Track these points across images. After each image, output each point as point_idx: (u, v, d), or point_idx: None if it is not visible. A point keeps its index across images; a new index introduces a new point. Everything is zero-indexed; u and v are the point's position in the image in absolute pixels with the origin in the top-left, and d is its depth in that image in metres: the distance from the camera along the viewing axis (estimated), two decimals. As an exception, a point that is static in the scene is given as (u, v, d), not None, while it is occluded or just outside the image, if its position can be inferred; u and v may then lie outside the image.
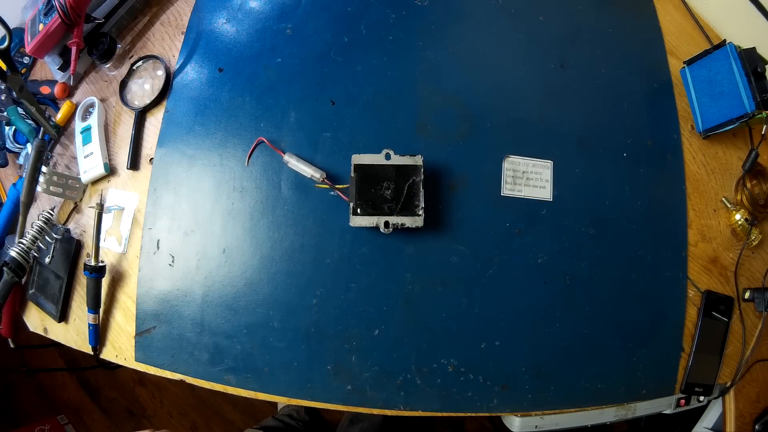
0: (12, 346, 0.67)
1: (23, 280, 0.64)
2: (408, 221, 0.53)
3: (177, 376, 0.56)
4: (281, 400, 0.55)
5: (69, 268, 0.62)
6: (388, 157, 0.54)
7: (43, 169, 0.61)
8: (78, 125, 0.65)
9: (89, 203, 0.64)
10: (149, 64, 0.65)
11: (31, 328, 0.67)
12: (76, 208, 0.65)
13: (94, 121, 0.63)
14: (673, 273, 0.62)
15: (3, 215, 0.68)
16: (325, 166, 0.57)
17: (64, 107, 0.67)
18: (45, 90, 0.68)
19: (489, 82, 0.62)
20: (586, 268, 0.59)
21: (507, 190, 0.59)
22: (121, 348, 0.59)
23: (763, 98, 0.57)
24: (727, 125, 0.62)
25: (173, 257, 0.58)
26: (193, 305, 0.57)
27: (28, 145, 0.66)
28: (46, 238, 0.61)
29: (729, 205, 0.66)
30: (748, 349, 0.65)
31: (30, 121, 0.65)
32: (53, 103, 0.69)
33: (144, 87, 0.64)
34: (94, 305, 0.58)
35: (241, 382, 0.55)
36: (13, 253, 0.58)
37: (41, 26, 0.60)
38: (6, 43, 0.57)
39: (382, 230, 0.53)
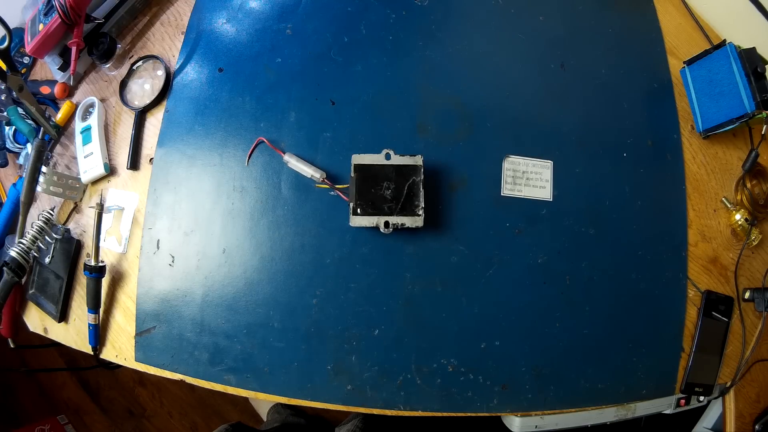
0: (12, 346, 0.67)
1: (23, 280, 0.64)
2: (408, 221, 0.53)
3: (177, 376, 0.56)
4: (281, 400, 0.55)
5: (69, 268, 0.62)
6: (388, 157, 0.54)
7: (43, 169, 0.61)
8: (78, 125, 0.65)
9: (89, 203, 0.64)
10: (149, 64, 0.65)
11: (31, 328, 0.67)
12: (76, 208, 0.65)
13: (94, 121, 0.63)
14: (673, 273, 0.62)
15: (3, 215, 0.68)
16: (325, 166, 0.57)
17: (64, 107, 0.67)
18: (45, 90, 0.68)
19: (489, 82, 0.62)
20: (586, 268, 0.59)
21: (507, 190, 0.59)
22: (121, 348, 0.59)
23: (763, 98, 0.57)
24: (727, 125, 0.62)
25: (173, 257, 0.58)
26: (193, 305, 0.57)
27: (28, 145, 0.66)
28: (46, 238, 0.61)
29: (729, 205, 0.66)
30: (748, 349, 0.65)
31: (30, 121, 0.64)
32: (53, 103, 0.69)
33: (144, 87, 0.64)
34: (94, 305, 0.58)
35: (241, 382, 0.55)
36: (13, 253, 0.58)
37: (41, 26, 0.60)
38: (6, 43, 0.57)
39: (382, 230, 0.53)
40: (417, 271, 0.56)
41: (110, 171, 0.63)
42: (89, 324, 0.58)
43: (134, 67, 0.65)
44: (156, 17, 0.67)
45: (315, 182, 0.57)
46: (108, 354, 0.60)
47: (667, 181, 0.64)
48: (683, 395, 0.62)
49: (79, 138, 0.64)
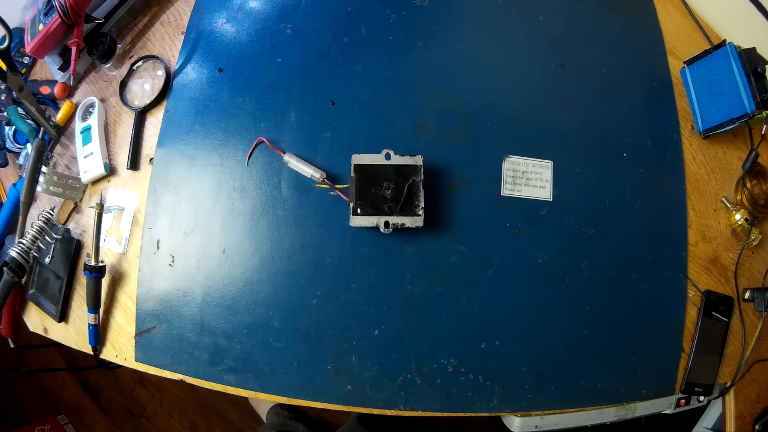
0: (12, 346, 0.67)
1: (23, 280, 0.64)
2: (408, 221, 0.53)
3: (177, 376, 0.56)
4: (281, 400, 0.55)
5: (69, 268, 0.62)
6: (388, 157, 0.54)
7: (43, 169, 0.61)
8: (78, 125, 0.65)
9: (89, 203, 0.64)
10: (149, 64, 0.65)
11: (31, 328, 0.67)
12: (76, 208, 0.65)
13: (94, 121, 0.63)
14: (673, 273, 0.62)
15: (3, 215, 0.68)
16: (325, 166, 0.57)
17: (64, 107, 0.67)
18: (45, 90, 0.68)
19: (489, 82, 0.62)
20: (586, 268, 0.59)
21: (507, 190, 0.59)
22: (121, 348, 0.59)
23: (763, 98, 0.57)
24: (727, 125, 0.62)
25: (173, 257, 0.58)
26: (193, 305, 0.57)
27: (28, 145, 0.66)
28: (46, 238, 0.61)
29: (729, 205, 0.66)
30: (748, 349, 0.65)
31: (30, 121, 0.64)
32: (53, 103, 0.69)
33: (144, 87, 0.64)
34: (94, 305, 0.58)
35: (241, 382, 0.55)
36: (13, 253, 0.58)
37: (41, 26, 0.60)
38: (6, 43, 0.57)
39: (382, 230, 0.53)
40: (417, 271, 0.56)
41: (110, 171, 0.63)
42: (89, 324, 0.58)
43: (134, 67, 0.65)
44: (156, 17, 0.67)
45: (315, 182, 0.57)
46: (108, 354, 0.60)
47: (667, 181, 0.64)
48: (683, 395, 0.62)
49: (79, 138, 0.64)
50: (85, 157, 0.63)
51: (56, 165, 0.67)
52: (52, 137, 0.65)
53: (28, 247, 0.59)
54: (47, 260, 0.62)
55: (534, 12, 0.66)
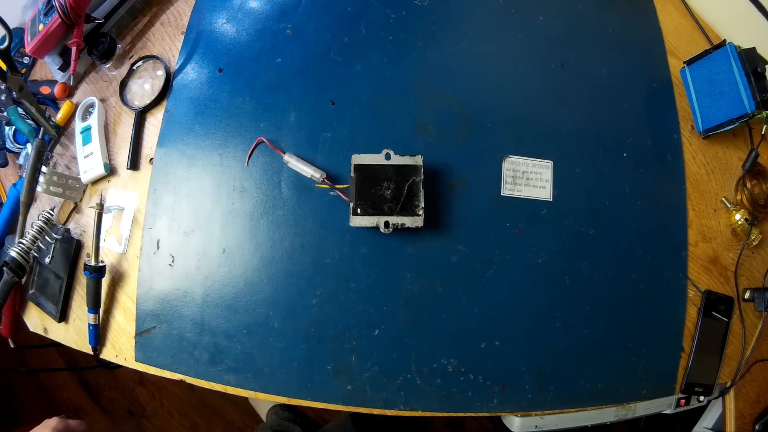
0: (12, 346, 0.67)
1: (23, 280, 0.64)
2: (408, 221, 0.53)
3: (177, 376, 0.56)
4: (281, 400, 0.55)
5: (69, 268, 0.62)
6: (388, 157, 0.54)
7: (43, 169, 0.61)
8: (78, 125, 0.65)
9: (89, 203, 0.64)
10: (149, 64, 0.65)
11: (31, 328, 0.67)
12: (76, 208, 0.65)
13: (94, 121, 0.63)
14: (673, 273, 0.62)
15: (3, 215, 0.68)
16: (325, 166, 0.57)
17: (64, 107, 0.67)
18: (45, 90, 0.68)
19: (489, 82, 0.62)
20: (586, 268, 0.59)
21: (507, 190, 0.59)
22: (121, 348, 0.59)
23: (763, 98, 0.57)
24: (727, 125, 0.62)
25: (173, 257, 0.58)
26: (193, 305, 0.57)
27: (28, 145, 0.66)
28: (46, 238, 0.61)
29: (729, 205, 0.66)
30: (748, 349, 0.65)
31: (30, 121, 0.65)
32: (53, 103, 0.69)
33: (144, 87, 0.64)
34: (94, 305, 0.58)
35: (241, 382, 0.55)
36: (13, 253, 0.58)
37: (41, 26, 0.60)
38: (6, 43, 0.57)
39: (382, 230, 0.53)
40: (417, 271, 0.56)
41: (110, 171, 0.63)
42: (89, 324, 0.58)
43: (134, 67, 0.65)
44: (156, 17, 0.67)
45: (315, 182, 0.57)
46: (108, 354, 0.60)
47: (667, 181, 0.64)
48: (683, 395, 0.62)
49: (79, 138, 0.64)
50: (85, 157, 0.63)
51: (56, 165, 0.67)
52: (52, 137, 0.65)
53: (28, 247, 0.59)
54: (47, 260, 0.62)
55: (534, 12, 0.66)
